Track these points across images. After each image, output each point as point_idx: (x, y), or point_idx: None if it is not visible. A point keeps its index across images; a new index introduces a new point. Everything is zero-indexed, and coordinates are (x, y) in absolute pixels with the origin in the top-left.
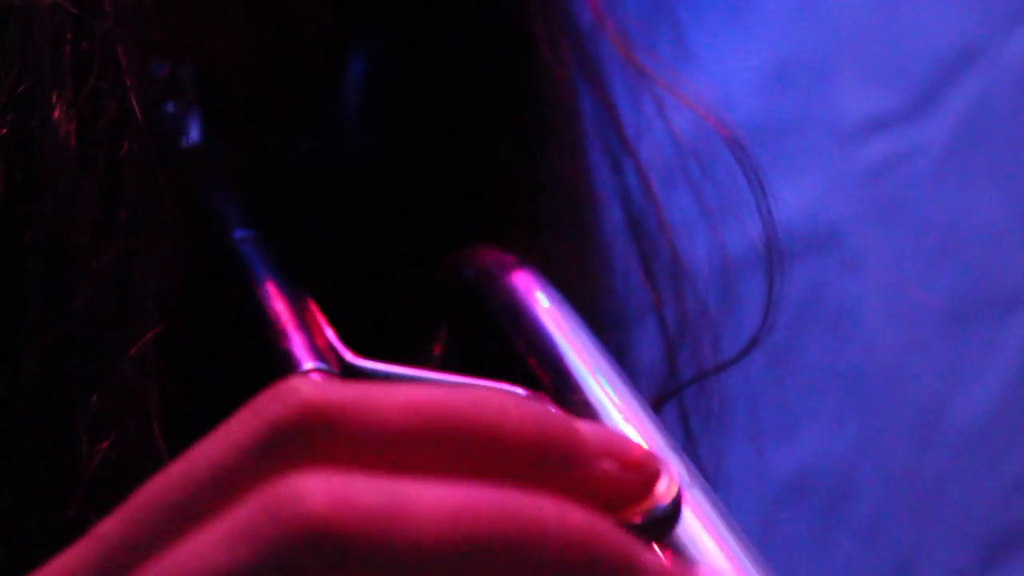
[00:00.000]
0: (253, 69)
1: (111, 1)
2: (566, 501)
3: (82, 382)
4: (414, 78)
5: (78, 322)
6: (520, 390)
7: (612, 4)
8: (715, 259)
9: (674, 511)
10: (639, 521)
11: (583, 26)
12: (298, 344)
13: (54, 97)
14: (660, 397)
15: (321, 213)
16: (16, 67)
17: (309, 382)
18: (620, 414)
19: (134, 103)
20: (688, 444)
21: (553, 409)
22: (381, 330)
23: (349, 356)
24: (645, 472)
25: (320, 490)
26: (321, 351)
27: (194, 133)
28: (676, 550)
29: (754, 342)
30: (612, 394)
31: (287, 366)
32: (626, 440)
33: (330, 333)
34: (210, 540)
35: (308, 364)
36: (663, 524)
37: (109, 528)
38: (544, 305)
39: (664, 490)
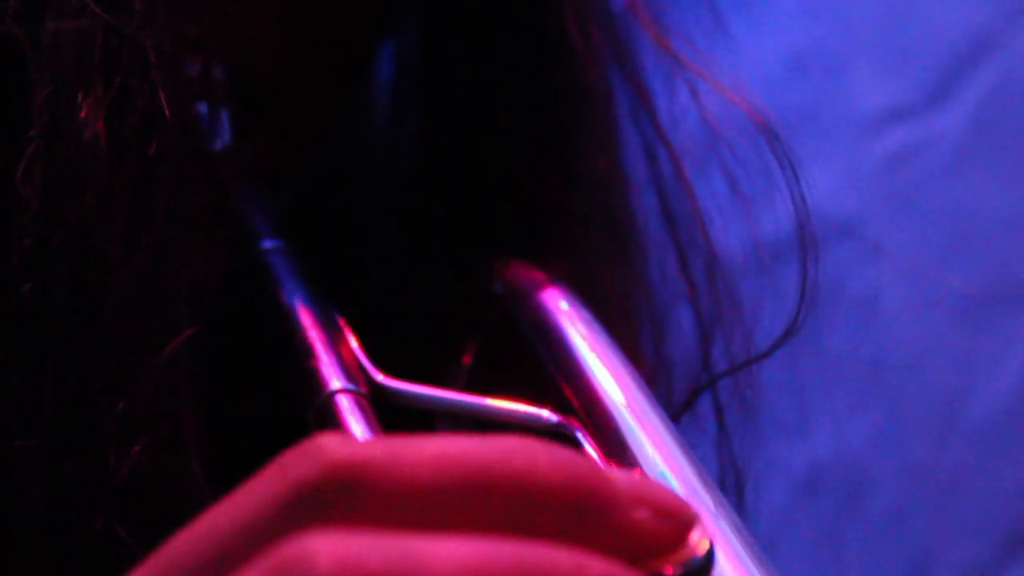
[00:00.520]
0: (283, 66)
1: None
2: (587, 555)
3: (111, 387)
4: (443, 72)
5: (107, 326)
6: (550, 414)
7: None
8: (748, 247)
9: (708, 562)
10: (672, 573)
11: (615, 11)
12: (326, 362)
13: (82, 96)
14: (694, 390)
15: (349, 220)
16: (47, 68)
17: (336, 440)
18: (649, 443)
19: (164, 101)
20: (722, 438)
21: (587, 442)
22: (409, 342)
23: (377, 375)
24: (679, 521)
25: (329, 551)
26: (349, 370)
27: (225, 134)
28: None
29: (788, 333)
30: (641, 421)
31: (314, 385)
32: (660, 488)
33: (358, 350)
34: None
35: (335, 384)
36: (697, 575)
37: None
38: (575, 325)
39: (698, 540)
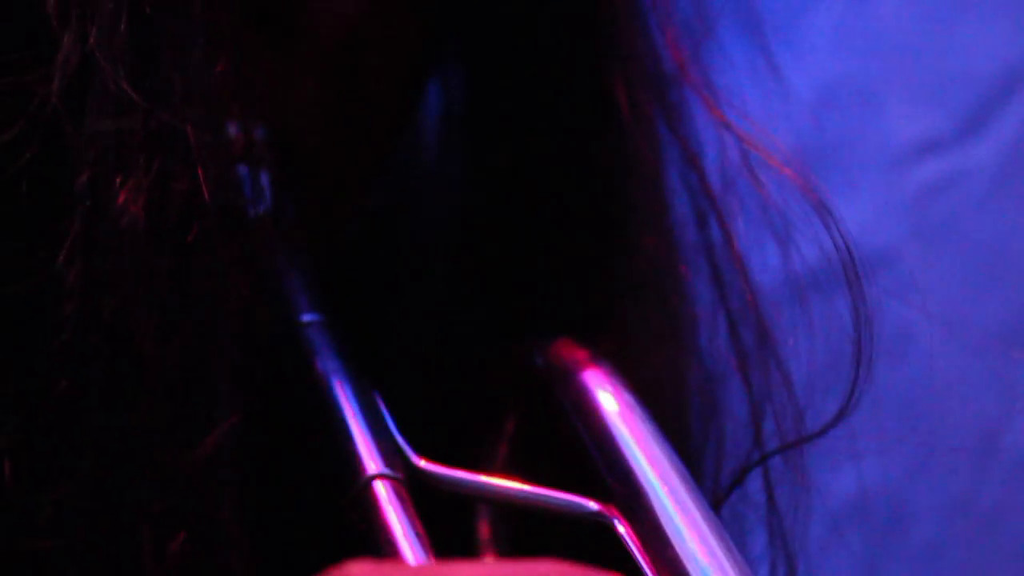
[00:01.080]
0: (325, 128)
1: (179, 80)
2: None
3: (148, 484)
4: (487, 143)
5: (144, 421)
6: (590, 502)
7: (696, 48)
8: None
9: None
10: None
11: (665, 74)
12: (363, 445)
13: (119, 180)
14: (744, 467)
15: (389, 290)
16: (85, 154)
17: (364, 569)
18: (689, 535)
19: (203, 184)
20: (772, 517)
21: (625, 532)
22: (448, 419)
23: (416, 459)
24: None
25: (365, 571)
26: (387, 454)
27: (265, 197)
28: None
29: (842, 413)
30: (682, 512)
31: (351, 470)
32: None
33: (396, 433)
34: None
35: (373, 469)
36: None
37: None
38: (617, 409)
39: None
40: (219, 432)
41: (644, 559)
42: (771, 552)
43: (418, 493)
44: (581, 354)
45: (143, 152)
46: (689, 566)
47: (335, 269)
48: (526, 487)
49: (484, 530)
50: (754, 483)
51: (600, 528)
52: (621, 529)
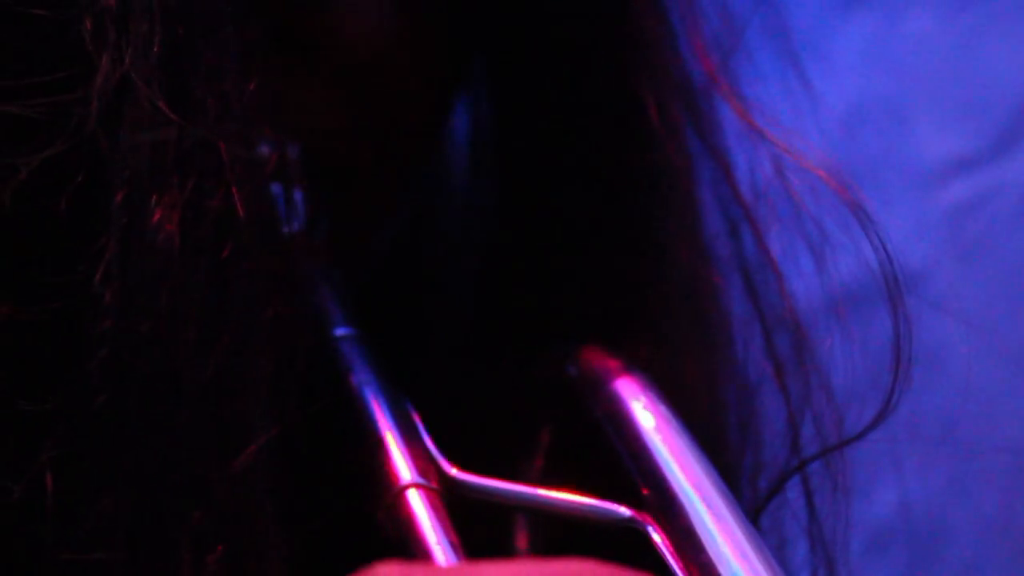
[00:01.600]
0: (351, 146)
1: (212, 98)
2: None
3: (187, 496)
4: (517, 151)
5: (182, 434)
6: (623, 509)
7: (725, 58)
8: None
9: None
10: None
11: (695, 84)
12: (397, 456)
13: (155, 199)
14: (783, 474)
15: (421, 302)
16: (121, 173)
17: (393, 570)
18: (723, 540)
19: (237, 201)
20: (813, 524)
21: (659, 537)
22: (481, 428)
23: (450, 469)
24: None
25: (394, 571)
26: (420, 463)
27: (299, 213)
28: None
29: (881, 415)
30: (715, 518)
31: (385, 480)
32: None
33: (430, 443)
34: None
35: (406, 478)
36: None
37: None
38: (649, 417)
39: None
40: (256, 444)
41: (678, 566)
42: (812, 561)
43: (453, 506)
44: (613, 363)
45: (177, 170)
46: (724, 573)
47: (365, 284)
48: (560, 494)
49: (519, 539)
50: (795, 491)
51: (634, 536)
52: (655, 536)
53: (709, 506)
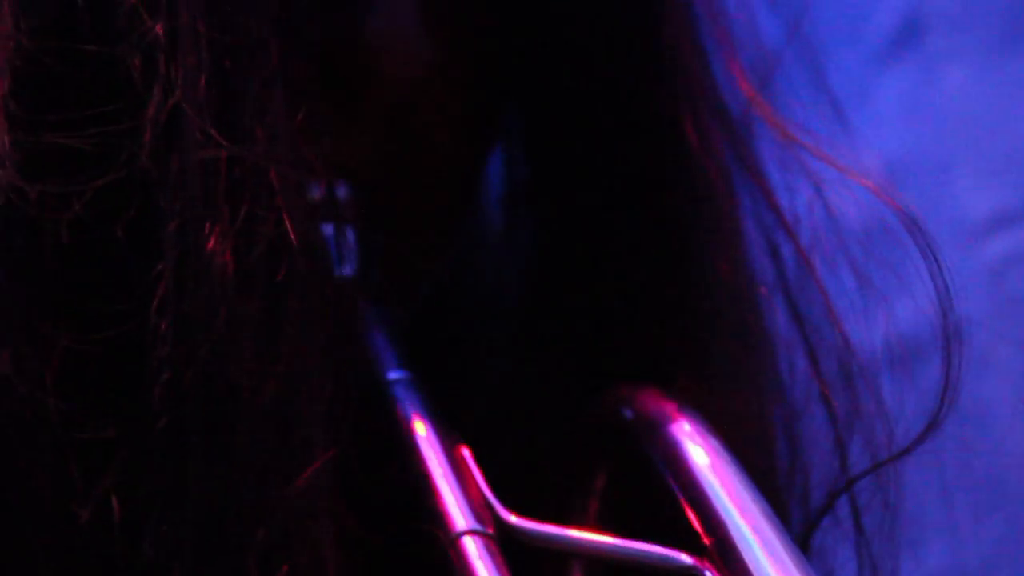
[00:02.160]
0: (390, 186)
1: (262, 127)
2: None
3: (249, 517)
4: (555, 179)
5: (242, 455)
6: (683, 556)
7: (763, 83)
8: (880, 343)
9: None
10: None
11: (734, 108)
12: (452, 502)
13: (208, 227)
14: (832, 493)
15: (466, 342)
16: (174, 202)
17: None
18: None
19: (289, 226)
20: (861, 541)
21: None
22: (536, 471)
23: (505, 515)
24: None
25: None
26: (476, 509)
27: (352, 258)
28: None
29: (929, 428)
30: (779, 569)
31: (441, 525)
32: None
33: (485, 487)
34: None
35: (462, 524)
36: None
37: None
38: (710, 463)
39: None
40: (316, 465)
41: None
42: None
43: (510, 551)
44: (670, 405)
45: (229, 198)
46: None
47: (409, 328)
48: (618, 540)
49: None
50: (845, 509)
51: None
52: None
53: (771, 555)
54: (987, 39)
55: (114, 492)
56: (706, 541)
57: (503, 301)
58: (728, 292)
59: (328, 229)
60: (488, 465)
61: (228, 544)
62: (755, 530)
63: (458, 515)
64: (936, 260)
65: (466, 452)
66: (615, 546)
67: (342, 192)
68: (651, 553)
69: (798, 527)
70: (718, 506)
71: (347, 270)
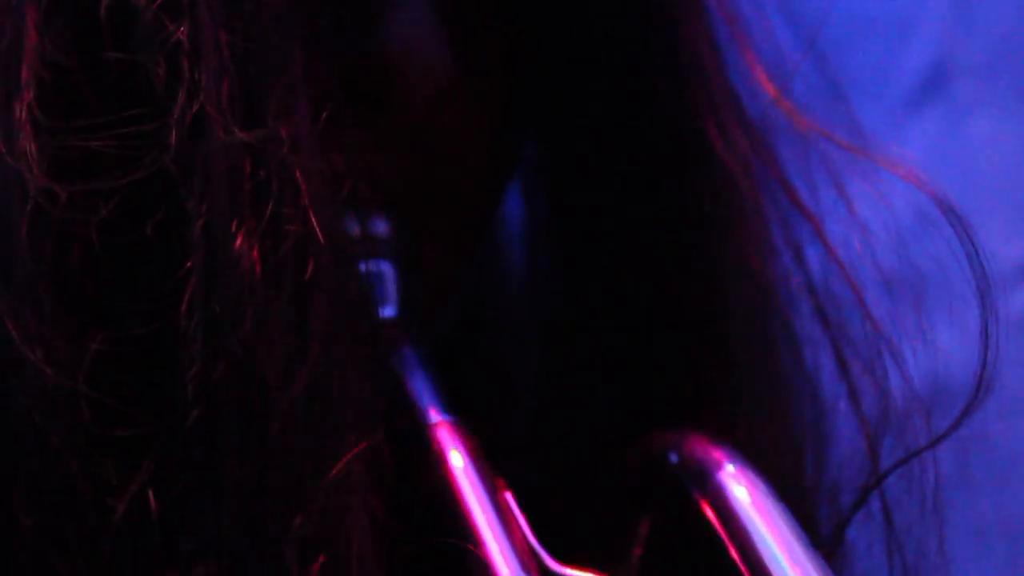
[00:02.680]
0: (411, 201)
1: (286, 128)
2: None
3: (285, 508)
4: (577, 210)
5: (275, 450)
6: None
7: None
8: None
9: None
10: None
11: (754, 111)
12: (495, 548)
13: (235, 226)
14: (863, 489)
15: (497, 384)
16: (200, 203)
17: None
18: None
19: (315, 225)
20: (892, 540)
21: None
22: (579, 517)
23: (550, 562)
24: None
25: None
26: (519, 555)
27: (390, 294)
28: None
29: (957, 422)
30: None
31: (486, 574)
32: None
33: (529, 533)
34: None
35: (507, 573)
36: None
37: None
38: (759, 513)
39: None
40: (348, 456)
41: None
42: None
43: None
44: (717, 452)
45: (254, 198)
46: None
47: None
48: None
49: None
50: (877, 505)
51: None
52: None
53: None
54: (1014, 88)
55: (150, 486)
56: None
57: (528, 336)
58: (754, 292)
59: (364, 263)
60: (532, 511)
61: (265, 534)
62: None
63: (502, 563)
64: (974, 245)
65: (510, 497)
66: None
67: (382, 228)
68: None
69: (829, 522)
70: (768, 559)
71: (387, 311)
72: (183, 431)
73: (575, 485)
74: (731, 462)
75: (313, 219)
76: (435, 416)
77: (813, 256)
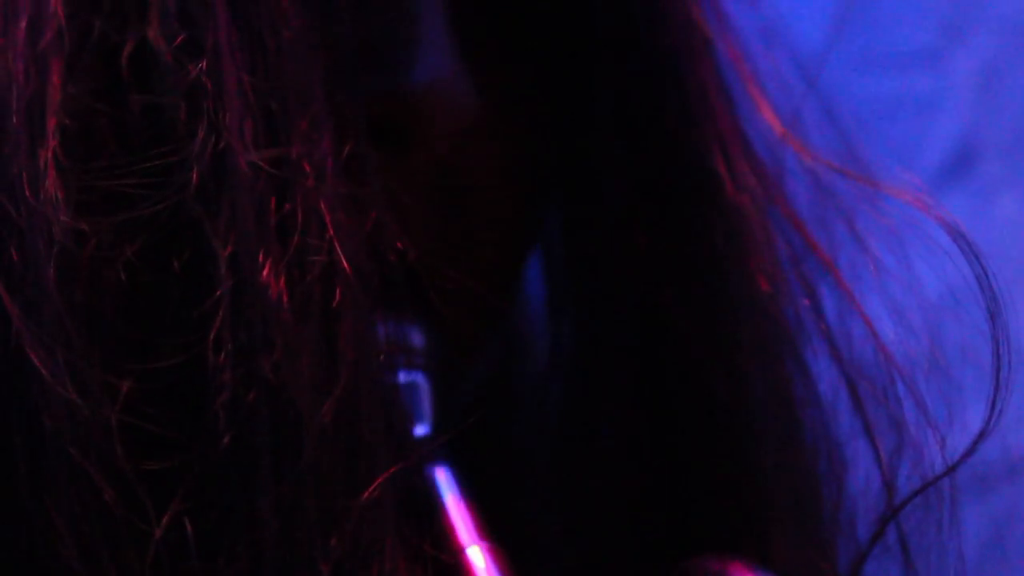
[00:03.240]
0: (437, 247)
1: (310, 163)
2: None
3: (320, 531)
4: (597, 275)
5: (309, 474)
6: None
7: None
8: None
9: None
10: None
11: (761, 147)
12: None
13: (261, 257)
14: (880, 520)
15: (516, 470)
16: (226, 235)
17: None
18: None
19: (341, 254)
20: (908, 569)
21: None
22: None
23: None
24: None
25: None
26: None
27: (424, 410)
28: None
29: (980, 438)
30: None
31: None
32: None
33: None
34: None
35: None
36: None
37: None
38: None
39: None
40: (379, 480)
41: None
42: None
43: None
44: None
45: (280, 231)
46: None
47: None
48: None
49: None
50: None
51: None
52: None
53: None
54: None
55: (186, 514)
56: None
57: (547, 414)
58: (767, 327)
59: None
60: None
61: (301, 557)
62: None
63: None
64: (981, 264)
65: None
66: None
67: (417, 339)
68: None
69: (849, 555)
70: None
71: (421, 428)
72: (217, 457)
73: None
74: None
75: (338, 248)
76: (472, 544)
77: (827, 294)
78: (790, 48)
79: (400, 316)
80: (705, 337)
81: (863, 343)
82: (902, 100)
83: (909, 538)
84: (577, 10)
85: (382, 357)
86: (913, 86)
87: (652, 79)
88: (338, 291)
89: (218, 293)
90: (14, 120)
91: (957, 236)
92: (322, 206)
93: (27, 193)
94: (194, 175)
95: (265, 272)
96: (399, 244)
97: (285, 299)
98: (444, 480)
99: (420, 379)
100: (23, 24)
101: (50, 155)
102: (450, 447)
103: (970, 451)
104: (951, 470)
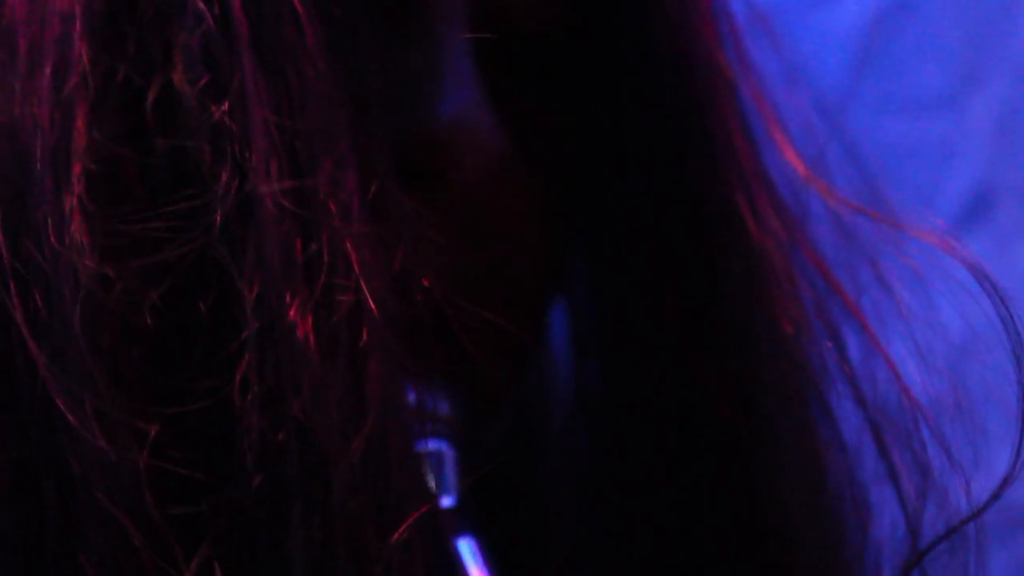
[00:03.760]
0: (464, 291)
1: (335, 199)
2: None
3: (349, 572)
4: (624, 325)
5: (338, 515)
6: None
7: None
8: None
9: None
10: None
11: (784, 189)
12: None
13: (288, 297)
14: (906, 566)
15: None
16: (252, 275)
17: None
18: None
19: (367, 294)
20: None
21: None
22: None
23: None
24: None
25: None
26: None
27: (448, 479)
28: None
29: (1006, 483)
30: None
31: None
32: None
33: None
34: None
35: None
36: None
37: None
38: None
39: None
40: (409, 520)
41: None
42: None
43: None
44: None
45: (306, 272)
46: None
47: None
48: None
49: None
50: None
51: None
52: None
53: None
54: None
55: (216, 558)
56: None
57: (573, 461)
58: (790, 373)
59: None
60: None
61: None
62: None
63: None
64: (1001, 300)
65: None
66: None
67: (443, 407)
68: None
69: None
70: None
71: (446, 501)
72: (246, 500)
73: None
74: None
75: (365, 288)
76: None
77: (850, 336)
78: (812, 91)
79: (426, 367)
80: (729, 381)
81: (887, 386)
82: (921, 144)
83: None
84: (602, 53)
85: (410, 420)
86: (932, 130)
87: (676, 121)
88: (365, 331)
89: (245, 335)
90: (39, 166)
91: (981, 278)
92: (348, 246)
93: (52, 238)
94: (219, 217)
95: (292, 313)
96: (426, 283)
97: (312, 339)
98: (468, 552)
99: (446, 448)
100: (48, 70)
101: (75, 200)
102: (474, 503)
103: (996, 495)
104: (977, 514)
